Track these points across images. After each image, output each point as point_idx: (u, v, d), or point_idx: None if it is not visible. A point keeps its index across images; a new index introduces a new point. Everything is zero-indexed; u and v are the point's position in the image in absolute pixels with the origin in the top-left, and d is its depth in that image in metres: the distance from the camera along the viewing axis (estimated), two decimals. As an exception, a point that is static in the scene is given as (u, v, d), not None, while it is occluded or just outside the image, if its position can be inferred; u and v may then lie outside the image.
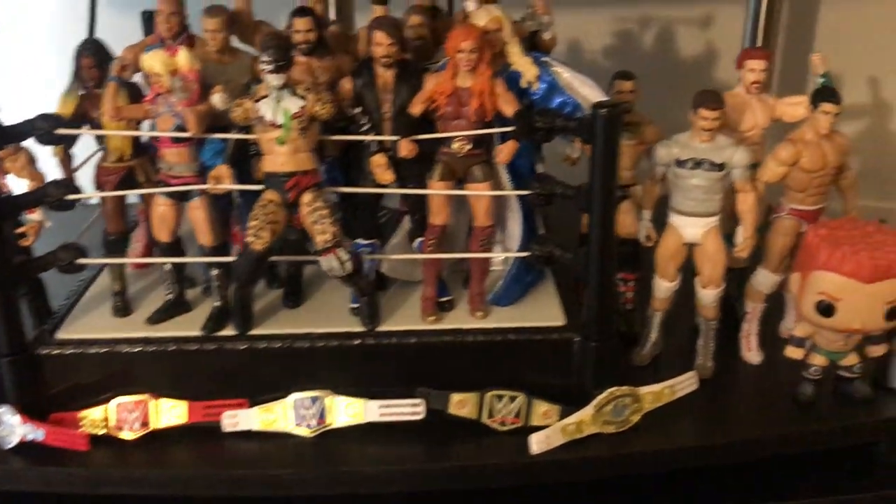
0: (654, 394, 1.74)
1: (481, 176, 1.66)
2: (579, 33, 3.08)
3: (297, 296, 1.80)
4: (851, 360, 1.79)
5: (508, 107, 1.61)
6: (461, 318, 1.77)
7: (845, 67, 3.05)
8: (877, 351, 1.79)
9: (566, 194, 1.61)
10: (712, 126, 1.68)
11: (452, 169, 1.66)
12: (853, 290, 1.64)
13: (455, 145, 1.63)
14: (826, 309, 1.68)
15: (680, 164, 1.72)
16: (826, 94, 1.72)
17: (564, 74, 1.72)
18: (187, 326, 1.74)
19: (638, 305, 1.99)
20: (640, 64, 2.97)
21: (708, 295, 1.83)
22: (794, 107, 1.88)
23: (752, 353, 1.95)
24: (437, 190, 1.66)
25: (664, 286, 1.86)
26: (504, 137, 1.64)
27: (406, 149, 1.60)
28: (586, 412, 1.68)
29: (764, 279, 1.89)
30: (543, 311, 1.78)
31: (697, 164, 1.71)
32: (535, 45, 1.87)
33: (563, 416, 1.69)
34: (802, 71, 3.05)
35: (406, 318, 1.76)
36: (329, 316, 1.76)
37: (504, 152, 1.61)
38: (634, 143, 1.88)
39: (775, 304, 1.99)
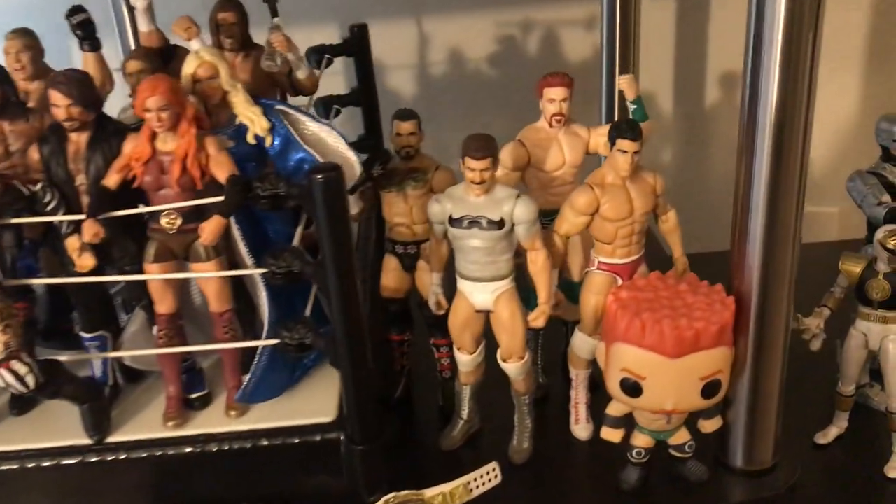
0: (444, 495, 1.46)
1: (204, 254, 1.37)
2: (459, 41, 2.82)
3: (24, 401, 1.51)
4: (681, 437, 1.52)
5: (220, 171, 1.33)
6: (214, 419, 1.49)
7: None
8: (709, 426, 1.51)
9: (306, 271, 1.33)
10: (482, 178, 1.39)
11: (168, 248, 1.38)
12: (658, 367, 1.36)
13: (163, 221, 1.35)
14: (631, 388, 1.40)
15: (454, 222, 1.44)
16: (622, 128, 1.43)
17: (310, 125, 1.44)
18: None
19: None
20: (526, 69, 2.68)
21: (511, 369, 1.55)
22: (605, 137, 1.59)
23: (579, 426, 1.67)
24: (150, 274, 1.38)
25: (464, 359, 1.58)
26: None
27: (90, 231, 1.31)
28: (356, 527, 1.41)
29: (582, 343, 1.61)
30: (315, 403, 1.49)
31: (473, 221, 1.43)
32: (296, 88, 1.59)
33: (333, 531, 1.41)
34: (695, 71, 2.82)
35: (147, 422, 1.48)
36: (56, 426, 1.48)
37: (206, 230, 1.32)
38: (423, 193, 1.60)
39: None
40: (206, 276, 1.38)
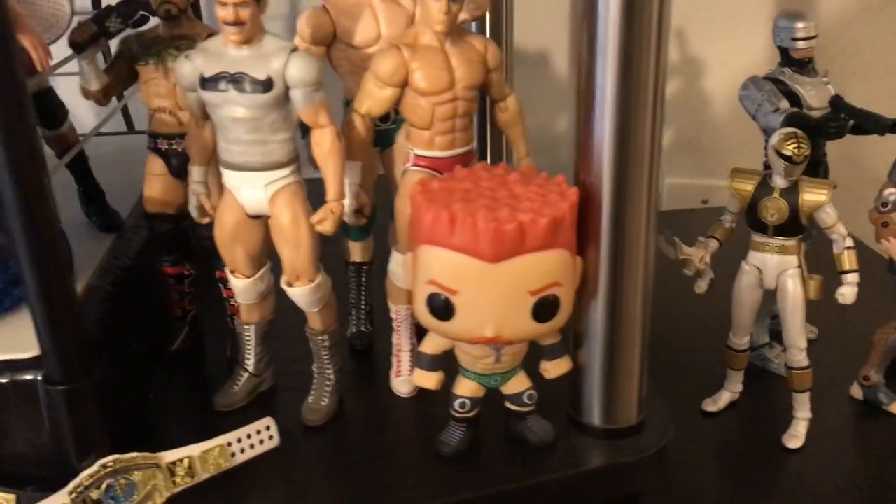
0: (192, 460, 1.06)
1: None
2: None
3: None
4: (518, 384, 1.16)
5: None
6: None
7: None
8: (553, 369, 1.15)
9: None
10: (237, 17, 1.02)
11: None
12: (473, 275, 1.00)
13: None
14: (442, 308, 1.03)
15: (206, 83, 1.06)
16: (435, -35, 1.08)
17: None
18: None
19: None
20: None
21: (298, 295, 1.17)
22: (433, 6, 1.24)
23: (400, 379, 1.30)
24: None
25: (239, 285, 1.20)
26: None
27: None
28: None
29: (398, 268, 1.24)
30: (18, 340, 1.08)
31: (231, 80, 1.05)
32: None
33: (22, 511, 1.01)
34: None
35: None
36: None
37: None
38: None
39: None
40: None
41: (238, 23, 1.02)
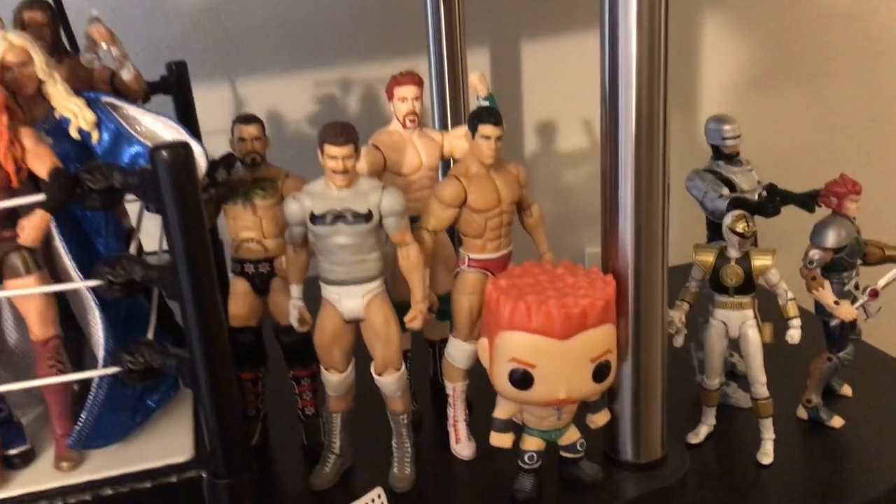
0: (329, 531, 1.28)
1: (22, 267, 1.16)
2: (277, 101, 2.71)
3: None
4: (571, 436, 1.44)
5: (40, 165, 1.14)
6: (41, 476, 1.23)
7: (559, 112, 2.87)
8: (598, 420, 1.45)
9: (150, 278, 1.14)
10: (345, 167, 1.29)
11: (-31, 265, 1.16)
12: (549, 351, 1.29)
13: (-30, 228, 1.13)
14: (522, 379, 1.31)
15: (316, 220, 1.32)
16: (482, 115, 1.39)
17: (144, 122, 1.27)
18: None
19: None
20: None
21: (388, 383, 1.42)
22: (461, 139, 1.55)
23: (460, 444, 1.55)
24: (-47, 298, 1.14)
25: (333, 380, 1.43)
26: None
27: None
28: (227, 580, 1.19)
29: (457, 352, 1.51)
30: (165, 445, 1.28)
31: (337, 217, 1.31)
32: (117, 89, 1.43)
33: (198, 591, 1.19)
34: (513, 122, 2.87)
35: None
36: None
37: (27, 229, 1.13)
38: (273, 203, 1.46)
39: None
40: (26, 292, 1.15)
41: (345, 171, 1.29)
